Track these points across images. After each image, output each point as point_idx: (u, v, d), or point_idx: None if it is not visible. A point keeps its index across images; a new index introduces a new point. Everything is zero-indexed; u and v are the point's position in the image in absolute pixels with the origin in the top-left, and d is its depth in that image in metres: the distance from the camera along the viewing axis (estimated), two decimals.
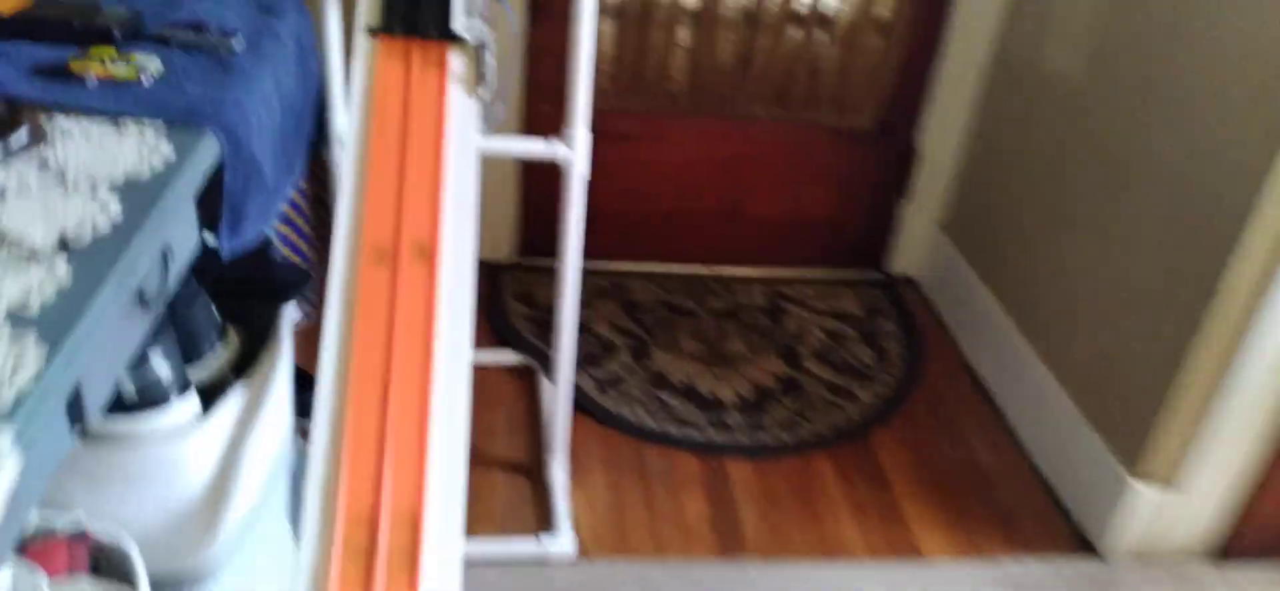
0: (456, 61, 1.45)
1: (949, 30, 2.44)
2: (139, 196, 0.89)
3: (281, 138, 1.22)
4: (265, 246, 1.37)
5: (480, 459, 2.00)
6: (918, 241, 2.76)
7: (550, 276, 2.37)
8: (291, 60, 1.29)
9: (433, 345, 1.22)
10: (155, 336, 1.07)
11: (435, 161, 1.36)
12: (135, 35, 1.15)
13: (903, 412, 2.30)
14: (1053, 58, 2.21)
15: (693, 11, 2.36)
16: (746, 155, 2.58)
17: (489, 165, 2.48)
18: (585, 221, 2.69)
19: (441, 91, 1.41)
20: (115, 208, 0.86)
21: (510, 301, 2.48)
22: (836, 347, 2.47)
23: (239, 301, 1.29)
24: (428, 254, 1.30)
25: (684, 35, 2.40)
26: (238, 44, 1.17)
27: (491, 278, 2.57)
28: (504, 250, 2.63)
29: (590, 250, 2.64)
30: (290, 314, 1.32)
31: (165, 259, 0.95)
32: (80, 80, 1.04)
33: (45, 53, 1.09)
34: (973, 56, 2.47)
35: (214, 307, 1.21)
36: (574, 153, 1.70)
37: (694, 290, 2.62)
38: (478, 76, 1.43)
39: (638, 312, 2.50)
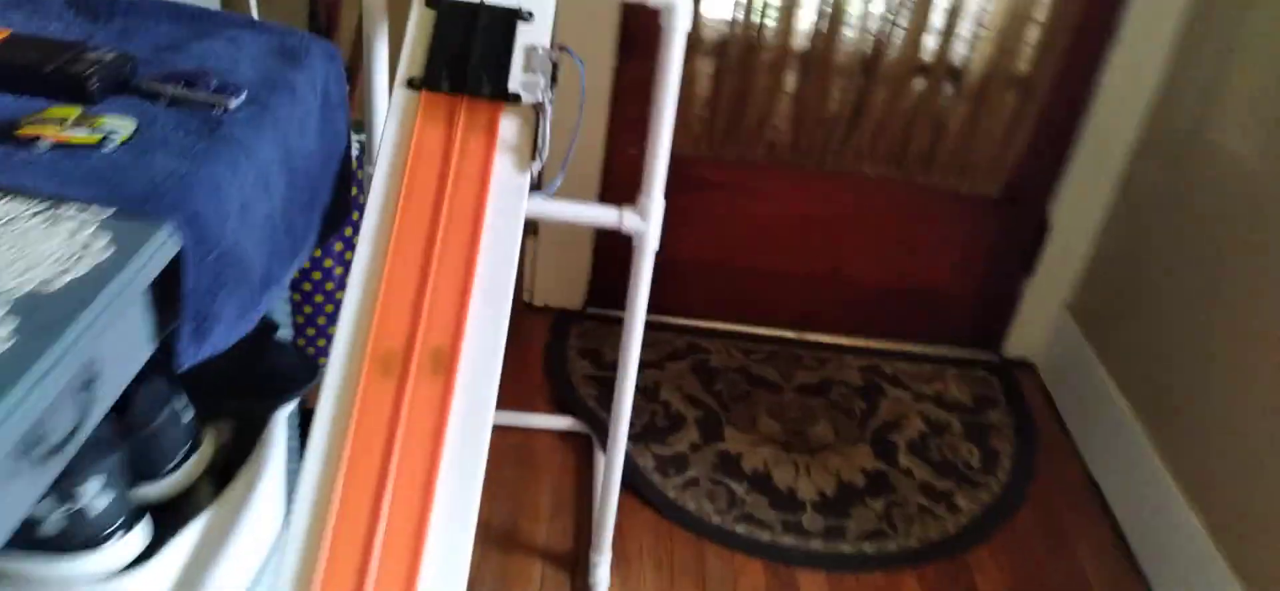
0: (509, 126, 1.23)
1: (1097, 91, 2.11)
2: (52, 310, 0.70)
3: (286, 214, 1.02)
4: (269, 329, 1.18)
5: (517, 541, 1.79)
6: (1040, 323, 2.44)
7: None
8: (312, 117, 1.09)
9: (433, 495, 1.01)
10: (95, 459, 0.88)
11: (470, 248, 1.14)
12: (121, 86, 0.97)
13: (1008, 527, 1.99)
14: (1219, 132, 1.87)
15: (802, 55, 2.10)
16: (850, 215, 2.31)
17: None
18: (664, 272, 2.48)
19: (487, 162, 1.19)
20: (5, 330, 0.67)
21: (574, 357, 2.26)
22: (937, 441, 2.17)
23: (230, 396, 1.10)
24: (446, 365, 1.09)
25: (790, 81, 2.14)
26: (237, 102, 0.98)
27: (556, 327, 2.35)
28: (574, 296, 2.41)
29: (667, 304, 2.41)
30: (288, 412, 1.12)
31: (90, 385, 0.75)
32: (29, 145, 0.85)
33: (3, 103, 0.92)
34: (1122, 123, 2.14)
35: (190, 413, 1.02)
36: (647, 225, 1.47)
37: (780, 359, 2.36)
38: (533, 145, 1.21)
39: (713, 380, 2.25)
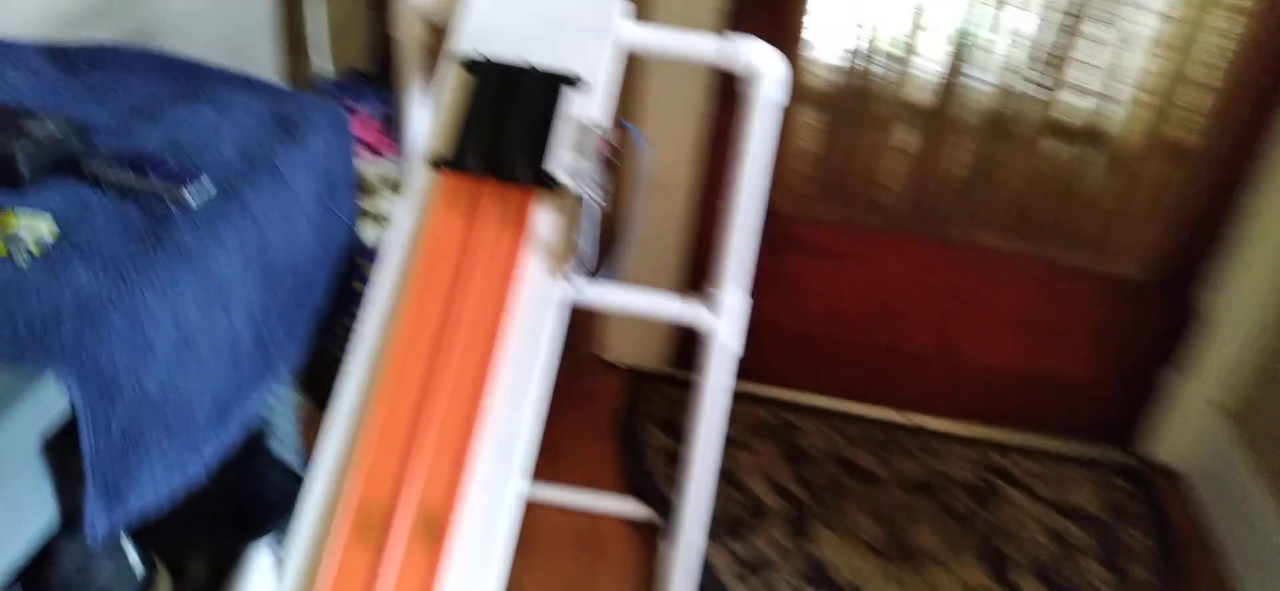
0: (544, 218, 0.99)
1: (1268, 166, 1.76)
2: None
3: (257, 326, 0.82)
4: (255, 443, 0.98)
5: None
6: (1187, 424, 2.07)
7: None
8: (305, 204, 0.88)
9: None
10: None
11: (480, 378, 0.90)
12: (64, 166, 0.78)
13: None
14: None
15: (923, 110, 1.81)
16: (969, 289, 2.00)
17: (643, 244, 2.04)
18: (755, 337, 2.21)
19: (511, 264, 0.97)
20: None
21: (648, 426, 2.02)
22: (1061, 559, 1.85)
23: (201, 530, 0.91)
24: (436, 531, 0.86)
25: (906, 138, 1.85)
26: (197, 194, 0.78)
27: (632, 389, 2.12)
28: (653, 354, 2.18)
29: (756, 372, 2.15)
30: (266, 551, 0.92)
31: None
32: None
33: None
34: None
35: (133, 570, 0.83)
36: (720, 320, 1.22)
37: (881, 444, 2.07)
38: (572, 243, 0.98)
39: (804, 466, 1.98)
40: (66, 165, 0.78)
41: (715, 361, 1.25)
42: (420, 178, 0.96)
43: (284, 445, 1.03)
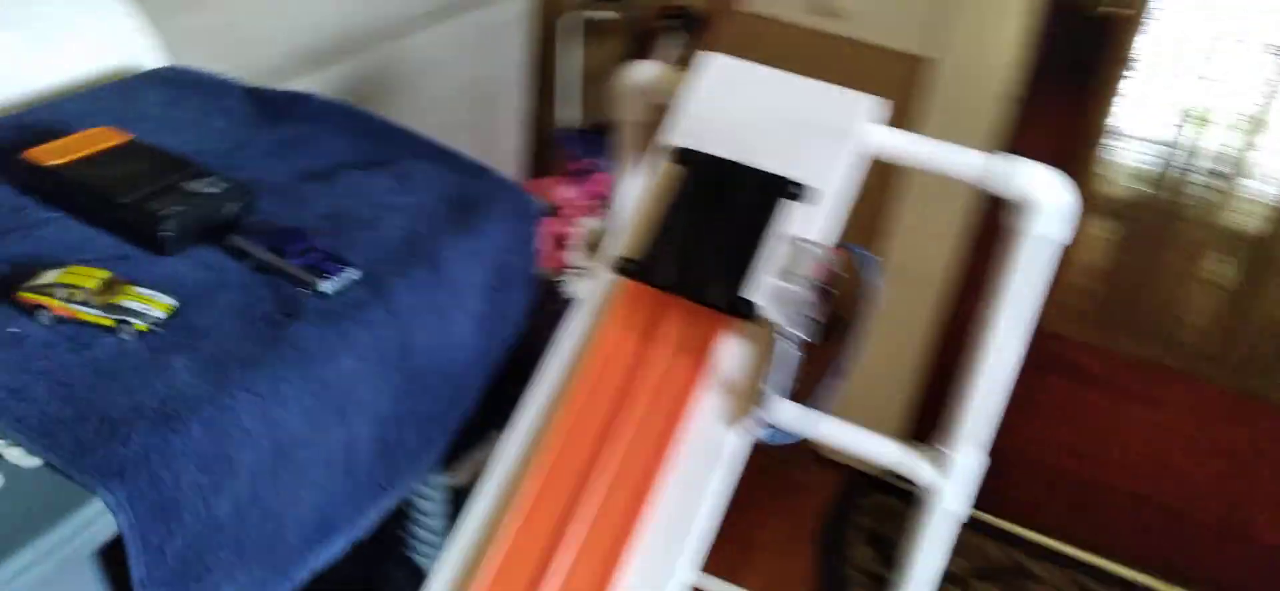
0: (731, 351, 0.80)
1: None
2: None
3: (385, 433, 0.70)
4: (389, 536, 0.87)
5: None
6: None
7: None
8: (468, 300, 0.76)
9: None
10: None
11: (625, 521, 0.74)
12: (210, 234, 0.70)
13: None
14: None
15: (1249, 239, 1.44)
16: (1270, 454, 1.58)
17: (863, 373, 1.78)
18: (996, 461, 1.85)
19: (683, 399, 0.79)
20: None
21: (854, 539, 1.76)
22: None
23: None
24: None
25: (1221, 269, 1.48)
26: (336, 283, 0.67)
27: (844, 491, 1.87)
28: None
29: (993, 500, 1.83)
30: None
31: None
32: (30, 314, 0.60)
33: (67, 234, 0.68)
34: None
35: None
36: (947, 481, 0.98)
37: None
38: (757, 387, 0.78)
39: None
40: (213, 232, 0.70)
41: (935, 523, 1.01)
42: (603, 277, 0.81)
43: (428, 532, 0.92)
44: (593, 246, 1.60)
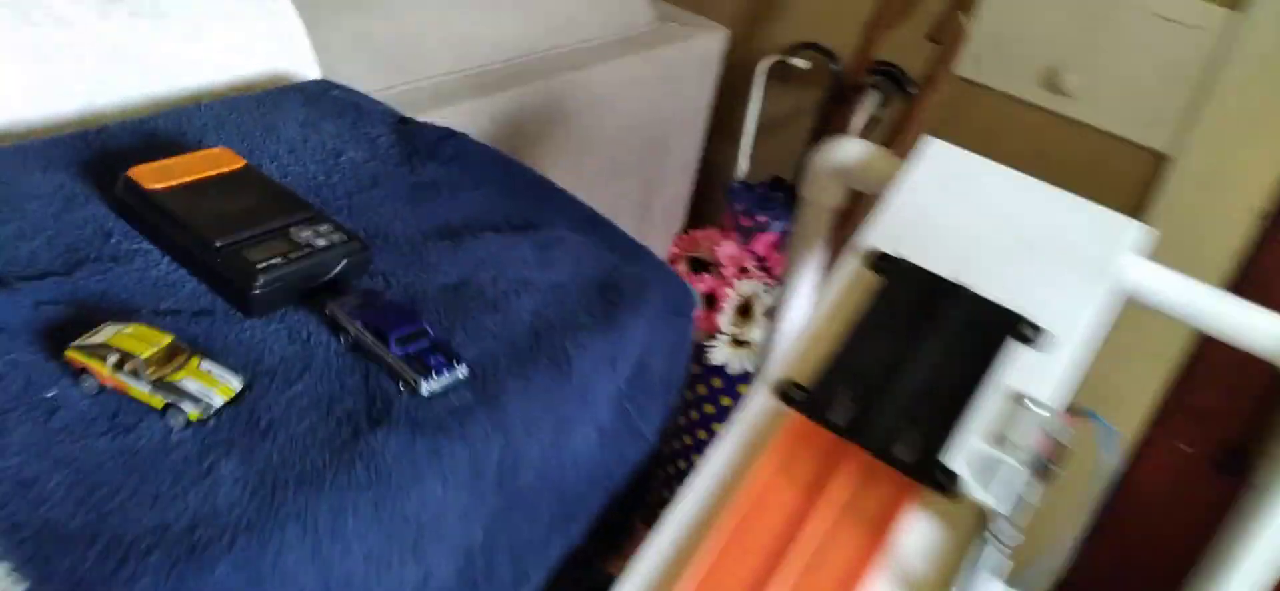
0: (919, 530, 0.61)
1: None
2: None
3: (465, 568, 0.55)
4: None
5: None
6: None
7: None
8: (597, 407, 0.60)
9: None
10: None
11: None
12: (311, 295, 0.58)
13: None
14: None
15: None
16: None
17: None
18: None
19: (850, 580, 0.60)
20: None
21: None
22: None
23: None
24: None
25: None
26: (436, 384, 0.53)
27: None
28: None
29: None
30: None
31: None
32: (76, 377, 0.49)
33: (150, 273, 0.57)
34: None
35: None
36: None
37: None
38: (949, 582, 0.58)
39: None
40: (314, 293, 0.57)
41: None
42: (757, 405, 0.63)
43: None
44: (745, 312, 1.42)
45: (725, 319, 1.46)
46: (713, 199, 1.71)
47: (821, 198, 0.78)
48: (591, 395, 0.60)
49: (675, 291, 0.67)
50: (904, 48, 1.40)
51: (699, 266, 1.46)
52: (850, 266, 0.68)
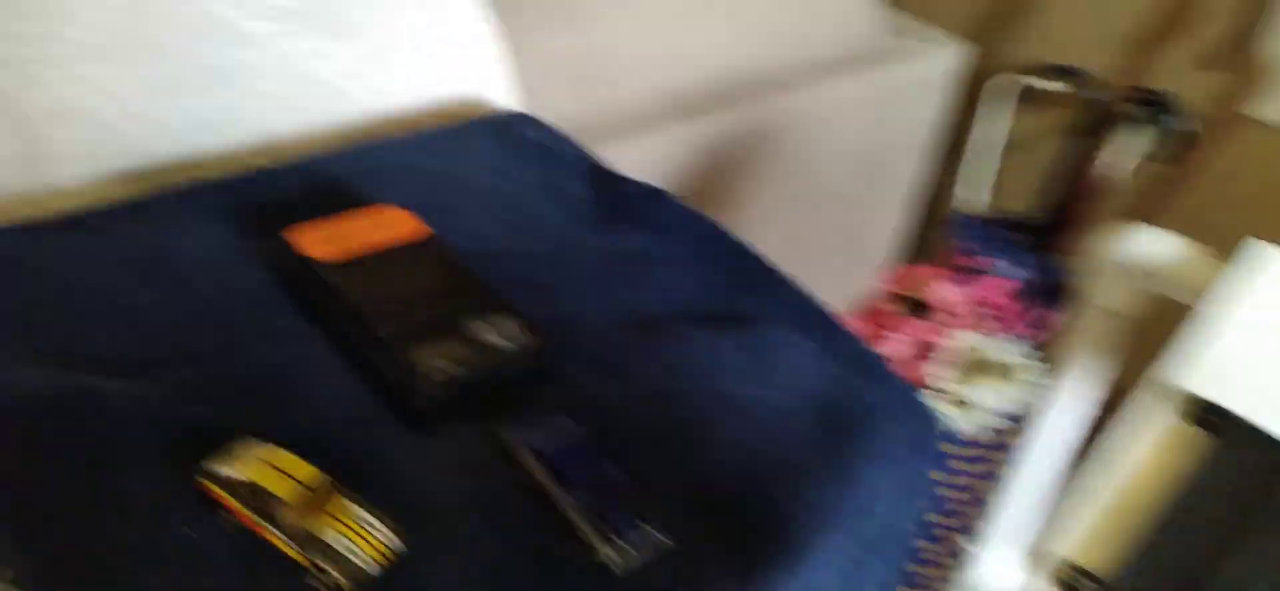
0: None
1: None
2: None
3: None
4: None
5: None
6: None
7: None
8: (816, 579, 0.47)
9: None
10: None
11: None
12: (485, 406, 0.47)
13: None
14: None
15: None
16: None
17: None
18: None
19: None
20: None
21: None
22: None
23: None
24: None
25: None
26: (621, 556, 0.41)
27: None
28: None
29: None
30: None
31: None
32: (209, 510, 0.41)
33: (308, 360, 0.49)
34: None
35: None
36: None
37: None
38: None
39: None
40: (485, 404, 0.47)
41: None
42: (1020, 577, 0.48)
43: None
44: (967, 369, 1.24)
45: (937, 372, 1.28)
46: (936, 234, 1.52)
47: (1111, 300, 0.61)
48: (814, 568, 0.47)
49: (920, 419, 0.52)
50: (1176, 73, 1.16)
51: (918, 308, 1.29)
52: (1159, 412, 0.51)
